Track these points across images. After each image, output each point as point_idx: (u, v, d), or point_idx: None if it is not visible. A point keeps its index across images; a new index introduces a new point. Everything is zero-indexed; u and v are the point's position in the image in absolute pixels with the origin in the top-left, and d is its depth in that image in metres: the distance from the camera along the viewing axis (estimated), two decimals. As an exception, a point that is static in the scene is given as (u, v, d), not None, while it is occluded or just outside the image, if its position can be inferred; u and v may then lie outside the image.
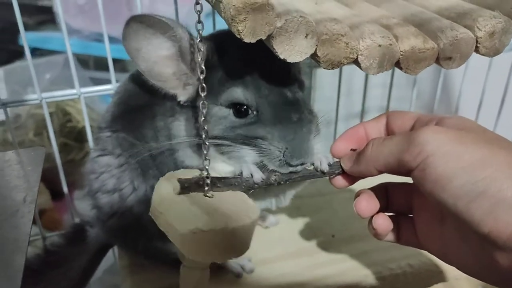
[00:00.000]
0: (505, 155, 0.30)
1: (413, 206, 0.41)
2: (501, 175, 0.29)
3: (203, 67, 0.35)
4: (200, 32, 0.35)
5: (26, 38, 0.50)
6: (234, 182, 0.40)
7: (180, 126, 0.44)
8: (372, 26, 0.36)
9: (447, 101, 1.02)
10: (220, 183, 0.39)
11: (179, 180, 0.37)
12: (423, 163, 0.32)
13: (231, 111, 0.42)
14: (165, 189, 0.37)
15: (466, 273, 0.36)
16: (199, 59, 0.35)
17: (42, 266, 0.56)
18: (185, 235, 0.34)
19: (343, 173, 0.40)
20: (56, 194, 0.98)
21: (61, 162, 0.63)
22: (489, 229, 0.29)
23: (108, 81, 0.61)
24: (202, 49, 0.35)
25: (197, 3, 0.34)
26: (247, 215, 0.37)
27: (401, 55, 0.36)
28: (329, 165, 0.41)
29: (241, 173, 0.40)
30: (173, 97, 0.44)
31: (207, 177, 0.38)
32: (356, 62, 0.36)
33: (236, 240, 0.36)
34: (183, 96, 0.44)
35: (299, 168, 0.40)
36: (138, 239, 0.50)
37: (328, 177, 0.41)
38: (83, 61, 1.24)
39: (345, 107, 1.02)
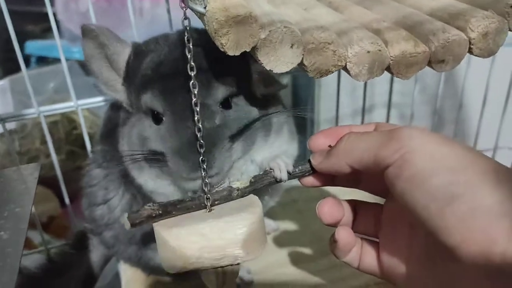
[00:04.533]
0: (487, 163, 0.29)
1: (380, 228, 0.38)
2: (479, 181, 0.27)
3: (194, 70, 0.34)
4: (187, 28, 0.33)
5: (32, 47, 0.50)
6: (191, 205, 0.35)
7: (123, 139, 0.44)
8: (360, 32, 0.36)
9: (452, 96, 1.00)
10: (175, 209, 0.35)
11: (129, 216, 0.33)
12: (401, 159, 0.30)
13: (150, 118, 0.40)
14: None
15: None
16: (188, 57, 0.33)
17: (45, 275, 0.57)
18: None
19: (314, 173, 0.38)
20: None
21: (67, 169, 0.64)
22: (460, 238, 0.26)
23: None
24: (191, 48, 0.33)
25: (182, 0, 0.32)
26: (254, 206, 0.36)
27: (392, 60, 0.35)
28: (299, 165, 0.39)
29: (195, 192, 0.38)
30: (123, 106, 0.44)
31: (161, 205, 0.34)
32: (345, 69, 0.36)
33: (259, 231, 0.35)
34: (123, 101, 0.44)
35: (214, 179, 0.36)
36: (130, 248, 0.50)
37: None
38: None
39: (350, 104, 1.01)
